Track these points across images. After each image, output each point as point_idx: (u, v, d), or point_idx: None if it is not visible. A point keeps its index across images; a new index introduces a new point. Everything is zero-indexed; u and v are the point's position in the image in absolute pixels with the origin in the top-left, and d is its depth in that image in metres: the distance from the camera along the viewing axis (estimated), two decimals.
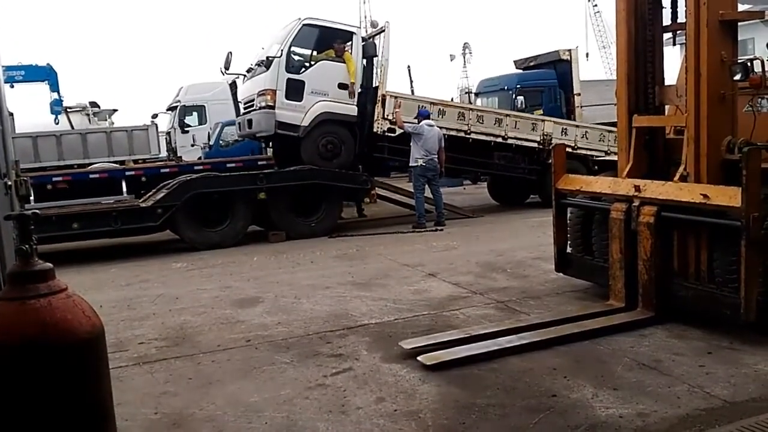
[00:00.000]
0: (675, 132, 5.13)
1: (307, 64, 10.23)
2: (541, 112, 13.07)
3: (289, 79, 9.85)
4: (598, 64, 51.03)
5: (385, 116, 10.30)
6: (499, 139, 11.25)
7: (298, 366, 3.95)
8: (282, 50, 9.77)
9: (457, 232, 9.33)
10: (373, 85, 10.54)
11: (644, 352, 3.88)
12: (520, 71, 15.13)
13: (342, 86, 10.15)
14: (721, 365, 3.62)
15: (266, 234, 9.66)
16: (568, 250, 5.45)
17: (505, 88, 14.86)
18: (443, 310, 5.04)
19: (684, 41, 4.62)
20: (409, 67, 25.77)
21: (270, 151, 11.93)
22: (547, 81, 13.96)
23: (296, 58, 10.23)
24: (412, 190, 10.28)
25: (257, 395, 3.52)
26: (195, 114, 18.61)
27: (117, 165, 13.83)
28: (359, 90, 10.31)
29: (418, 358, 3.81)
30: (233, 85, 19.22)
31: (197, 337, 4.71)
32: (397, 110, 10.11)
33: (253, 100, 10.32)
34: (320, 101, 10.01)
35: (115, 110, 22.38)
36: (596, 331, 4.22)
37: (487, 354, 3.85)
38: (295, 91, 9.86)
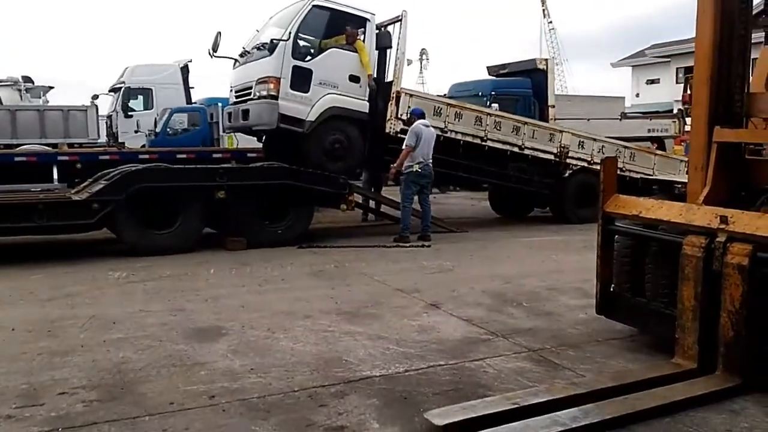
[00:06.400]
0: (749, 152, 4.24)
1: (314, 51, 8.99)
2: None
3: (295, 67, 8.59)
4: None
5: (398, 116, 9.16)
6: (516, 149, 10.27)
7: None
8: (290, 33, 8.47)
9: (447, 249, 8.20)
10: (386, 80, 9.42)
11: None
12: (494, 78, 14.39)
13: (353, 78, 8.97)
14: None
15: (222, 239, 8.28)
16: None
17: (480, 94, 14.08)
18: (464, 359, 3.94)
19: None
20: None
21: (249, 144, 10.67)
22: (522, 90, 13.23)
23: (302, 43, 8.96)
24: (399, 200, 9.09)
25: None
26: (140, 98, 17.04)
27: (48, 148, 12.28)
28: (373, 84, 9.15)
29: None
30: (185, 69, 17.76)
31: (141, 387, 3.46)
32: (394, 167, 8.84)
33: (248, 88, 8.97)
34: (329, 94, 8.80)
35: (51, 87, 20.72)
36: (677, 404, 3.24)
37: None
38: (301, 80, 8.61)
